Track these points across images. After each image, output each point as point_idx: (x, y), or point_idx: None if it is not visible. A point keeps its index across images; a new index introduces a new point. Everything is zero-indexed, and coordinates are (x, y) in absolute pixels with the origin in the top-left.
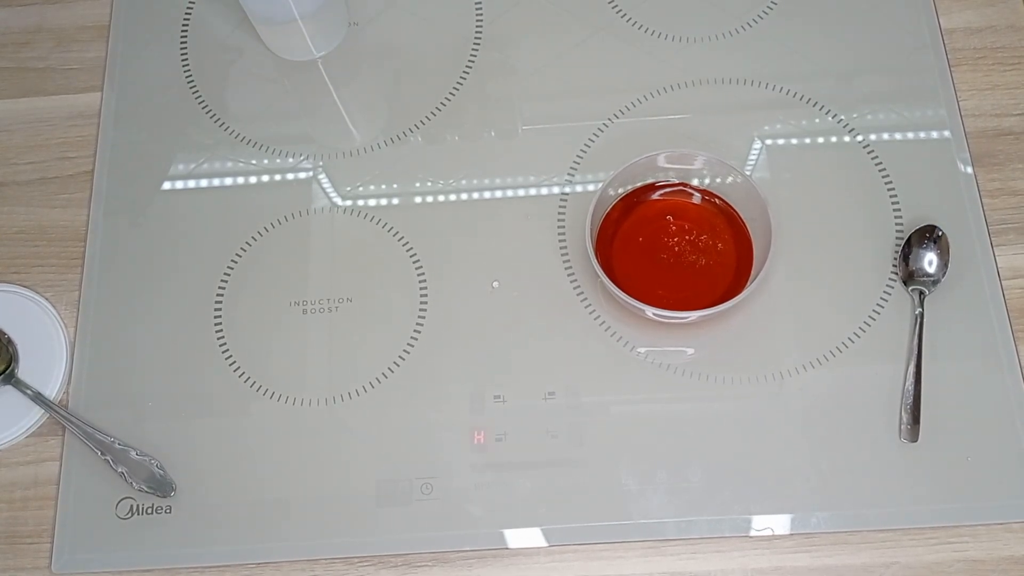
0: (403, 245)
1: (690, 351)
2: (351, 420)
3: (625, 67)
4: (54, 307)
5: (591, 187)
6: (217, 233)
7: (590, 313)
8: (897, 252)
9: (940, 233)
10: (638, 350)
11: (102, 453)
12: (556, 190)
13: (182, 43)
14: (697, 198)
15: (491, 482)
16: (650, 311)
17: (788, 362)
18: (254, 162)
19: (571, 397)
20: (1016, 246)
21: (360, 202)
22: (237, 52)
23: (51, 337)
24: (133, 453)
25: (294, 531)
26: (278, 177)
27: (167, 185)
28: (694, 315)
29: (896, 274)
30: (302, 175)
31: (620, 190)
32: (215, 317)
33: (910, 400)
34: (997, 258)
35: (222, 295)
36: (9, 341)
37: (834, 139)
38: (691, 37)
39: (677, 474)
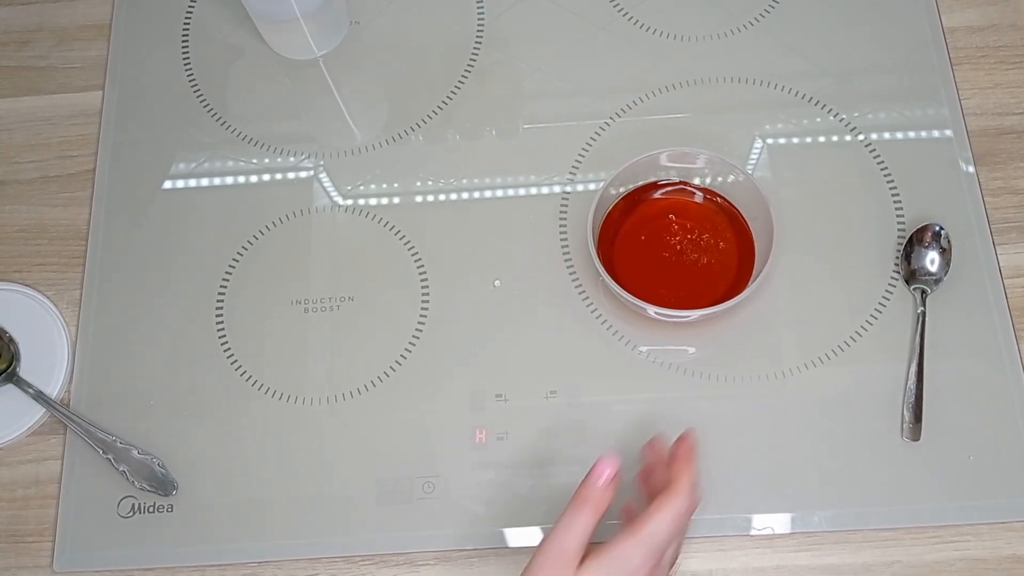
0: (404, 244)
1: (691, 350)
2: (353, 418)
3: (626, 66)
4: (55, 306)
5: (592, 186)
6: (218, 232)
7: (591, 312)
8: (899, 251)
9: (942, 232)
10: (640, 349)
11: (104, 452)
12: (557, 189)
13: (183, 42)
14: (699, 197)
15: (492, 481)
16: (652, 310)
17: (790, 361)
18: (255, 161)
19: (572, 396)
20: (1018, 245)
21: (361, 201)
22: (238, 51)
23: (52, 336)
24: (135, 452)
25: (296, 530)
26: (279, 176)
27: (168, 184)
28: (696, 314)
29: (898, 273)
30: (303, 174)
31: (622, 189)
32: (216, 316)
33: (912, 399)
34: (999, 257)
35: (223, 294)
36: (11, 340)
37: (836, 138)
38: (692, 36)
39: None
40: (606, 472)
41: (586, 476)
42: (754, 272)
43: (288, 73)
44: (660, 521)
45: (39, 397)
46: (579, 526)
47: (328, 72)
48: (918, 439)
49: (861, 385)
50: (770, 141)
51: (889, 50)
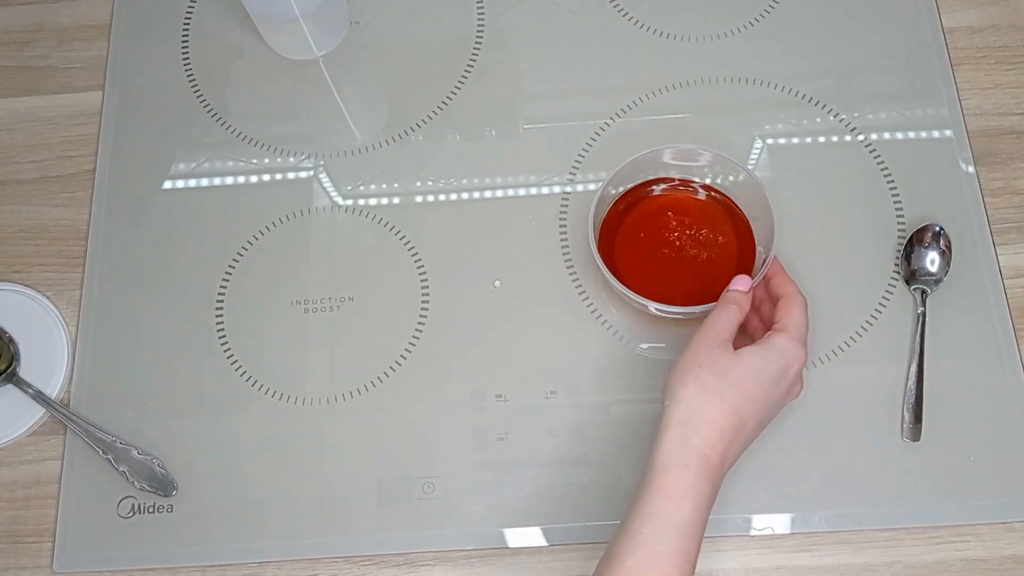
0: (405, 244)
1: None
2: (353, 419)
3: (626, 66)
4: (55, 306)
5: (592, 186)
6: (218, 232)
7: (592, 311)
8: (899, 251)
9: (942, 232)
10: (640, 347)
11: (103, 452)
12: (558, 189)
13: (183, 42)
14: (699, 194)
15: (492, 481)
16: (653, 307)
17: None
18: (255, 161)
19: (573, 396)
20: (1018, 245)
21: (361, 201)
22: (238, 51)
23: (52, 336)
24: (134, 452)
25: (296, 530)
26: (279, 176)
27: (168, 184)
28: (697, 310)
29: (898, 273)
30: (303, 174)
31: (621, 188)
32: (216, 316)
33: (912, 399)
34: (999, 257)
35: (223, 294)
36: (11, 340)
37: (836, 138)
38: (692, 36)
39: None
40: (741, 283)
41: (725, 290)
42: (754, 271)
43: (288, 73)
44: (797, 316)
45: (39, 397)
46: (728, 317)
47: (328, 72)
48: (918, 439)
49: (861, 385)
50: (770, 141)
51: (889, 50)
